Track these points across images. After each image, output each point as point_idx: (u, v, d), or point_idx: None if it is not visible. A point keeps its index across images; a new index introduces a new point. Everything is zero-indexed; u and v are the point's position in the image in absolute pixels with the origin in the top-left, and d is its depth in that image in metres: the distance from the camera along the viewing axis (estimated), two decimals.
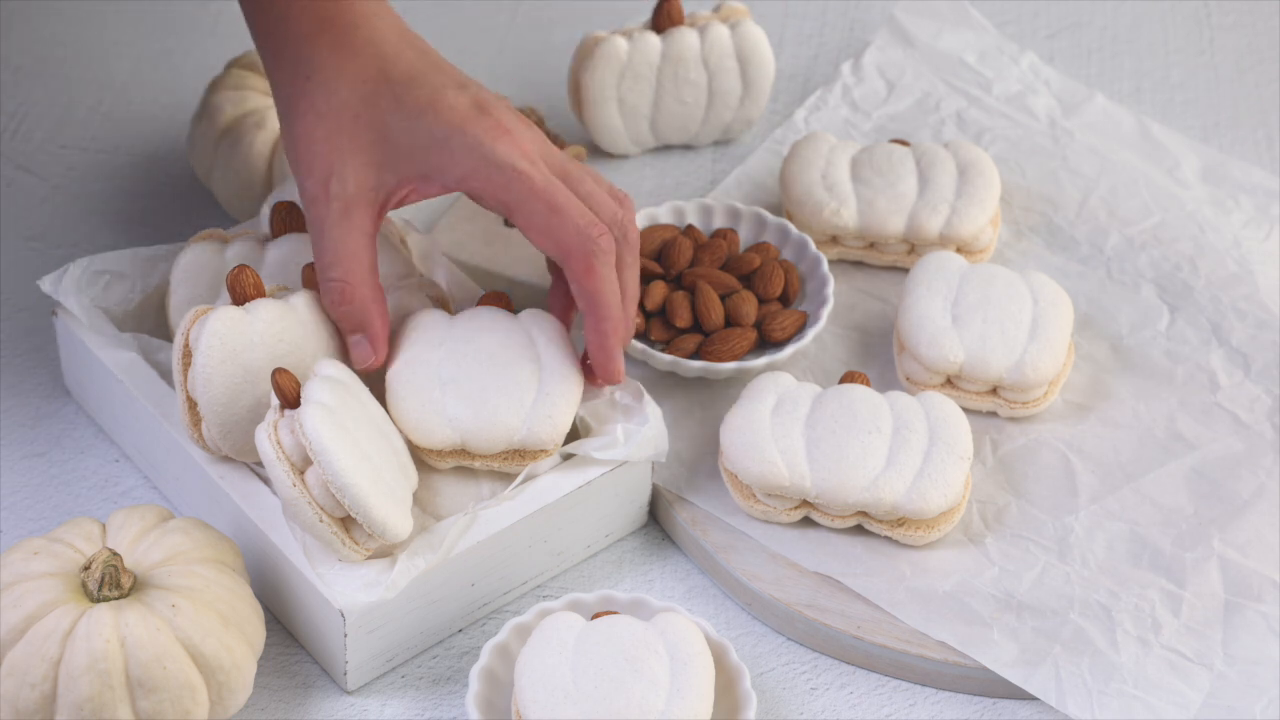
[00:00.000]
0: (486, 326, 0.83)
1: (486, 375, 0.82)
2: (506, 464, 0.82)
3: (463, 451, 0.82)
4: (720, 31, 1.03)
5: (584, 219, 0.79)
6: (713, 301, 0.92)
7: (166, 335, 0.89)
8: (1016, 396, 0.91)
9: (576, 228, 0.79)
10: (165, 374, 0.85)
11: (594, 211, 0.81)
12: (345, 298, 0.80)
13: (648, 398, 0.85)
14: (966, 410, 0.91)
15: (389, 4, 0.84)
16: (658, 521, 0.88)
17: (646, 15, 1.06)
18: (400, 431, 0.81)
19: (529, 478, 0.82)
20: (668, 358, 0.91)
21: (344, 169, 0.79)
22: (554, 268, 0.85)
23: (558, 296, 0.86)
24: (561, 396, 0.82)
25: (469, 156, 0.79)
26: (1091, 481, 0.89)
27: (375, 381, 0.84)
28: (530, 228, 0.79)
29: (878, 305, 0.97)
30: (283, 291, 0.83)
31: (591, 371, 0.83)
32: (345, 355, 0.83)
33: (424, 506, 0.83)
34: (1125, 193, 1.04)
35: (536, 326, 0.84)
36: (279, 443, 0.76)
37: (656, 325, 0.93)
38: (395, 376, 0.82)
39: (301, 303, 0.82)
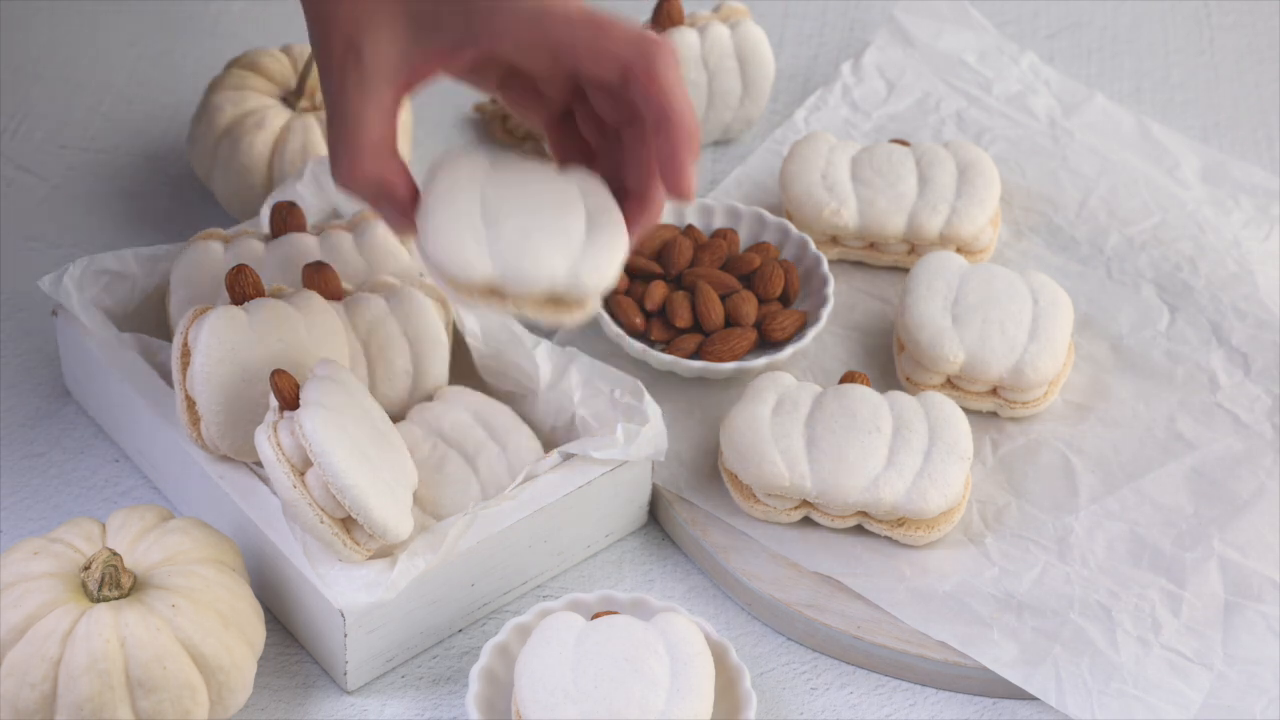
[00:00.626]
0: (531, 170, 0.77)
1: (531, 214, 0.74)
2: (541, 312, 0.75)
3: (497, 292, 0.74)
4: (720, 31, 1.03)
5: (636, 31, 0.72)
6: (713, 301, 0.92)
7: (167, 335, 0.89)
8: (1016, 396, 0.91)
9: (629, 37, 0.72)
10: (165, 374, 0.86)
11: None
12: (351, 174, 0.73)
13: (648, 397, 0.85)
14: (966, 410, 0.91)
15: None
16: (658, 522, 0.88)
17: (646, 15, 1.06)
18: (432, 264, 0.74)
19: (529, 478, 0.83)
20: (667, 358, 0.91)
21: (364, 43, 0.73)
22: (562, 129, 0.79)
23: (568, 141, 0.79)
24: (610, 248, 0.75)
25: (512, 30, 0.73)
26: (1091, 481, 0.89)
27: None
28: (577, 58, 0.72)
29: (878, 305, 0.98)
30: (282, 291, 0.83)
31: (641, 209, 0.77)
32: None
33: (424, 506, 0.83)
34: (1125, 193, 1.05)
35: (583, 181, 0.77)
36: (279, 444, 0.77)
37: (656, 325, 0.93)
38: (434, 203, 0.74)
39: (301, 302, 0.83)
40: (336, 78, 0.73)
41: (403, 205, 0.74)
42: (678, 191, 0.74)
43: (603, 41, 0.71)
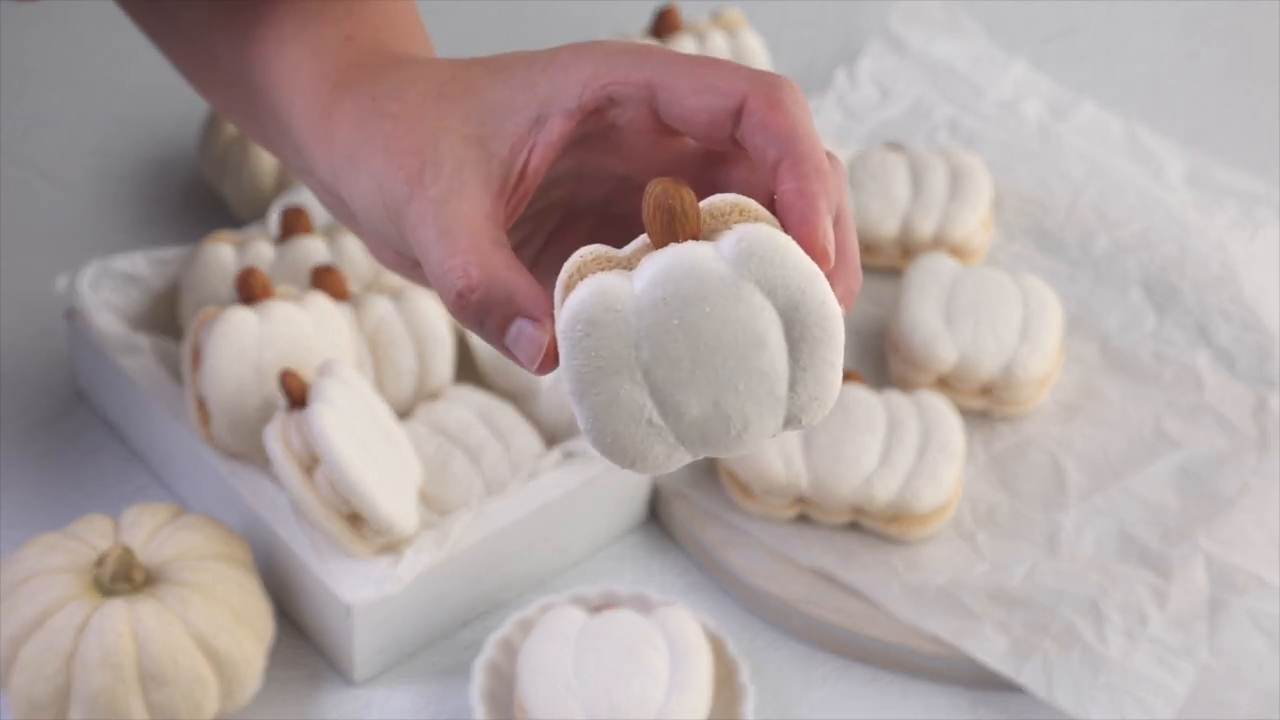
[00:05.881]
0: (703, 289, 0.53)
1: (718, 378, 0.53)
2: None
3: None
4: (718, 40, 1.04)
5: (751, 68, 0.57)
6: None
7: (177, 336, 0.90)
8: (1007, 396, 0.92)
9: (745, 71, 0.56)
10: (176, 374, 0.86)
11: None
12: (472, 280, 0.54)
13: None
14: (958, 410, 0.92)
15: None
16: (657, 518, 0.89)
17: (645, 22, 1.07)
18: (599, 451, 0.54)
19: (531, 475, 0.83)
20: None
21: (436, 154, 0.57)
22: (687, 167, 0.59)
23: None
24: (824, 384, 0.54)
25: (586, 61, 0.57)
26: (1080, 479, 0.90)
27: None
28: (684, 93, 0.56)
29: (872, 307, 0.99)
30: (290, 293, 0.84)
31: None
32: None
33: (429, 503, 0.84)
34: (1113, 196, 1.05)
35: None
36: (287, 442, 0.78)
37: None
38: (580, 371, 0.53)
39: (309, 304, 0.83)
40: (418, 201, 0.56)
41: (538, 311, 0.55)
42: (808, 242, 0.54)
43: (714, 76, 0.56)
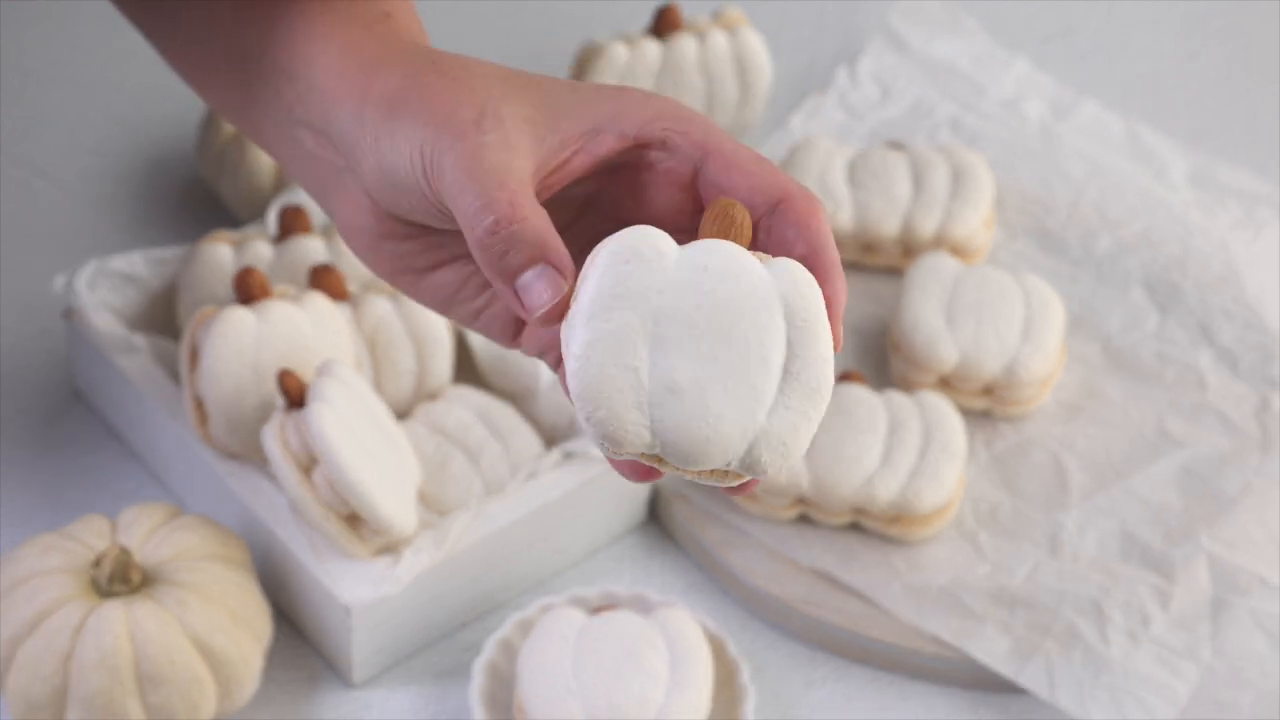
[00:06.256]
0: (724, 270, 0.56)
1: (710, 361, 0.55)
2: (701, 478, 0.60)
3: (655, 456, 0.59)
4: (718, 38, 1.04)
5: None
6: None
7: (175, 336, 0.90)
8: (1009, 396, 0.92)
9: (789, 176, 0.61)
10: (174, 374, 0.86)
11: None
12: (512, 216, 0.57)
13: None
14: (959, 409, 0.92)
15: None
16: (657, 518, 0.89)
17: (645, 21, 1.07)
18: (578, 411, 0.56)
19: (530, 475, 0.83)
20: None
21: (497, 111, 0.59)
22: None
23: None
24: (803, 414, 0.56)
25: (652, 102, 0.61)
26: (1083, 479, 0.90)
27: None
28: (734, 167, 0.60)
29: (873, 307, 0.99)
30: (289, 293, 0.84)
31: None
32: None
33: (428, 504, 0.84)
34: (1115, 196, 1.06)
35: (789, 287, 0.57)
36: (285, 442, 0.78)
37: None
38: (586, 324, 0.56)
39: (308, 303, 0.84)
40: (470, 140, 0.58)
41: (561, 262, 0.57)
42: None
43: (766, 165, 0.60)
